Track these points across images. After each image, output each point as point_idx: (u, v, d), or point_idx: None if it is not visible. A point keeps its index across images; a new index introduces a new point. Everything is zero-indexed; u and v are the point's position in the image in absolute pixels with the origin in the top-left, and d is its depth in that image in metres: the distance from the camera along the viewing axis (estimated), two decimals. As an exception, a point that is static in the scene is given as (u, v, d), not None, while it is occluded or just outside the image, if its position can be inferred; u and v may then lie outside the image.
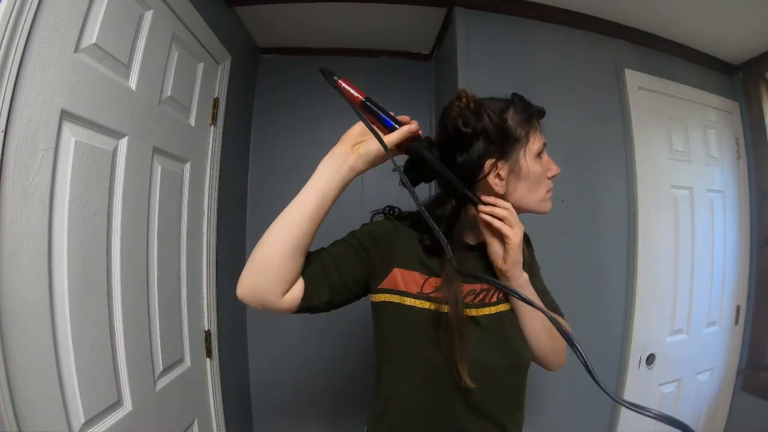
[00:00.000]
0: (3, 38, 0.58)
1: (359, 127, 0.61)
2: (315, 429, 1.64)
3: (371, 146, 0.59)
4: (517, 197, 0.67)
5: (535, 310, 0.56)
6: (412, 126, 0.61)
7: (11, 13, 0.59)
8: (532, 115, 0.67)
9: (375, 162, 0.60)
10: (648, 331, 1.45)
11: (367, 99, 0.62)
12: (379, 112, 0.61)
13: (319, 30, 1.60)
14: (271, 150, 1.69)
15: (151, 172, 1.00)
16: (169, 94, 1.06)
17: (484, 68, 1.34)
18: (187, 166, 1.19)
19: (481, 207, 0.64)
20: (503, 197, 0.66)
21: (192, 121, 1.21)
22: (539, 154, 0.66)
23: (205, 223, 1.28)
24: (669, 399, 1.53)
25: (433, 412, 0.65)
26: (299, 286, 0.59)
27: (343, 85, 0.62)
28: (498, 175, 0.65)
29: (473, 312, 0.66)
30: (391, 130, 0.61)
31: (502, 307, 0.69)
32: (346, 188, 0.61)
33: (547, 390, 1.33)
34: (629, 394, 1.41)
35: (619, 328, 1.43)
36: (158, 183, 1.03)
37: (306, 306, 0.60)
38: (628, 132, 1.47)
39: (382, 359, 0.70)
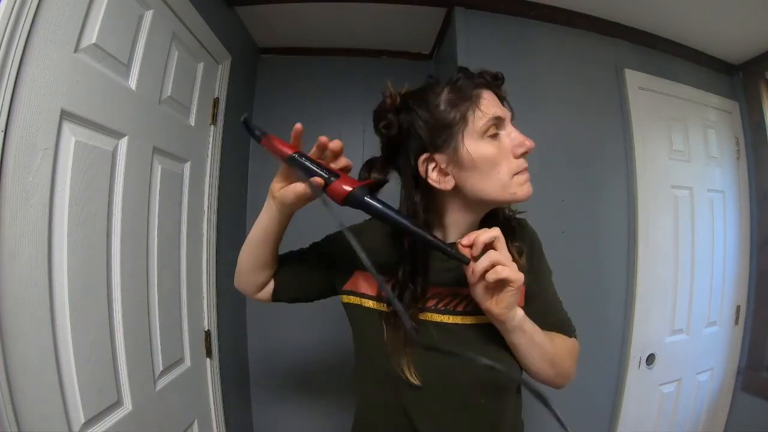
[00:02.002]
0: (3, 38, 0.58)
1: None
2: (315, 428, 1.64)
3: (288, 193, 0.55)
4: (471, 190, 0.55)
5: (534, 341, 0.56)
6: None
7: (11, 13, 0.59)
8: (470, 88, 0.54)
9: (298, 204, 0.56)
10: (648, 331, 1.45)
11: (297, 155, 0.55)
12: (310, 167, 0.53)
13: (319, 30, 1.60)
14: (271, 150, 1.69)
15: (151, 172, 1.00)
16: (169, 94, 1.06)
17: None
18: (187, 166, 1.19)
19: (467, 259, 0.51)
20: (457, 193, 0.57)
21: (192, 121, 1.21)
22: (489, 132, 0.54)
23: (205, 223, 1.28)
24: (669, 399, 1.53)
25: (394, 425, 0.61)
26: (270, 286, 0.71)
27: (272, 142, 0.57)
28: (439, 170, 0.55)
29: (435, 317, 0.59)
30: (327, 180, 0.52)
31: (471, 320, 0.59)
32: (291, 217, 0.61)
33: (546, 389, 1.33)
34: (629, 394, 1.40)
35: (619, 328, 1.43)
36: (158, 183, 1.03)
37: (276, 300, 0.72)
38: (628, 132, 1.47)
39: (355, 359, 0.70)
